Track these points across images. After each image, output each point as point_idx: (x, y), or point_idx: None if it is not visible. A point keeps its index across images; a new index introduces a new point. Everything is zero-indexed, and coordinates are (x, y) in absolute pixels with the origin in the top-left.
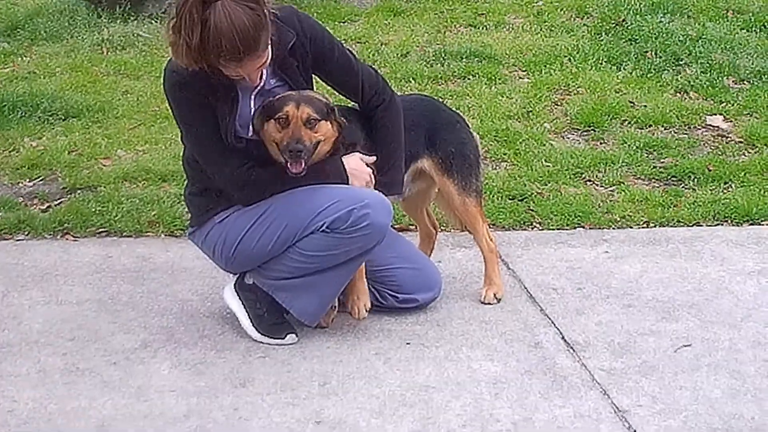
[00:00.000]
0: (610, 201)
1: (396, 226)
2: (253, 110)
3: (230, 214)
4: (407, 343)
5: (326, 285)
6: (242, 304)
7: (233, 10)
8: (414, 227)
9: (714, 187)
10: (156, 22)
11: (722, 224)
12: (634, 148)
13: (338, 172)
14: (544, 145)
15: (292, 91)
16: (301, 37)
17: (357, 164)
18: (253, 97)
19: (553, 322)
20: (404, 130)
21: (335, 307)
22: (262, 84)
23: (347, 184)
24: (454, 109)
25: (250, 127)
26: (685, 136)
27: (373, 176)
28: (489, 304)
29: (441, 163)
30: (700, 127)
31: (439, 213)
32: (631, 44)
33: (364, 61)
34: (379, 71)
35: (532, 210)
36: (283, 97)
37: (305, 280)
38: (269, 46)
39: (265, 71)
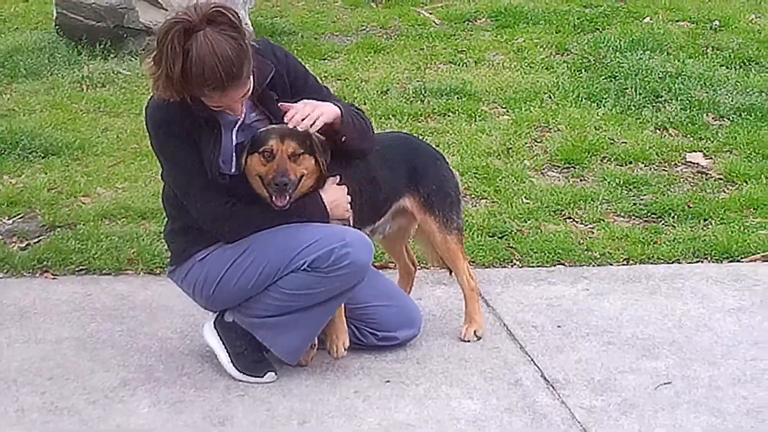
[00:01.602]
0: (590, 238)
1: (376, 264)
2: (235, 145)
3: (210, 252)
4: (387, 381)
5: (307, 323)
6: (222, 341)
7: (215, 40)
8: (394, 265)
9: (694, 224)
10: (135, 59)
11: (702, 261)
12: (614, 185)
13: (318, 208)
14: (524, 182)
15: (273, 124)
16: (279, 69)
17: (334, 195)
18: (234, 132)
19: (532, 360)
20: (385, 167)
21: (315, 345)
22: (242, 119)
23: (327, 219)
24: (433, 146)
25: (233, 163)
26: (665, 172)
27: (349, 203)
28: (469, 341)
29: (422, 201)
30: (679, 164)
31: (417, 250)
32: (611, 81)
33: (345, 98)
34: (359, 107)
35: (512, 247)
36: (266, 130)
37: (286, 318)
38: (251, 77)
39: (245, 105)
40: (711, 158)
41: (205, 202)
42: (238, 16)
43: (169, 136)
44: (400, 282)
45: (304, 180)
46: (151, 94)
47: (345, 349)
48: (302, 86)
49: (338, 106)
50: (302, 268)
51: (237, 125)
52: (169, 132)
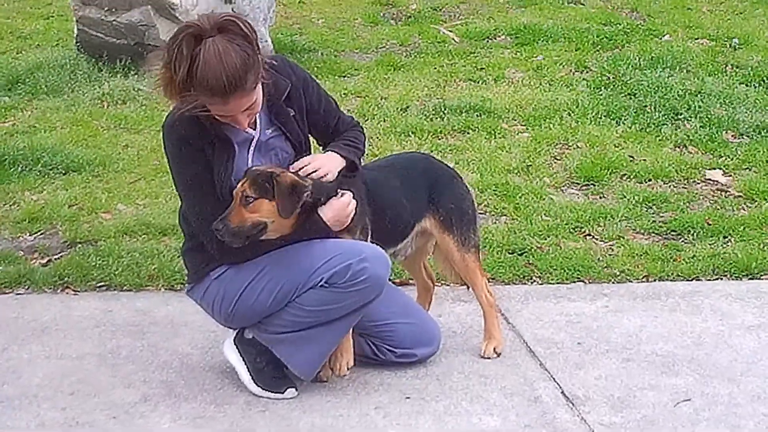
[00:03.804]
0: (610, 255)
1: (395, 281)
2: (249, 163)
3: (227, 270)
4: (407, 398)
5: (324, 339)
6: (242, 358)
7: (223, 47)
8: (413, 281)
9: (713, 241)
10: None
11: (721, 278)
12: (634, 202)
13: (320, 229)
14: (544, 199)
15: (288, 141)
16: (296, 85)
17: (334, 211)
18: (251, 150)
19: (552, 377)
20: (406, 189)
21: None
22: (258, 135)
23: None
24: (453, 163)
25: None
26: (685, 190)
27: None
28: (489, 358)
29: (442, 220)
30: (699, 182)
31: (435, 267)
32: (631, 99)
33: (365, 116)
34: (360, 122)
35: (532, 264)
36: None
37: (303, 333)
38: (257, 88)
39: (259, 121)
40: (730, 176)
41: (209, 227)
42: (251, 27)
43: (181, 154)
44: (419, 299)
45: (271, 226)
46: (169, 112)
47: (348, 369)
48: (318, 106)
49: (338, 152)
50: (320, 285)
51: (253, 143)
52: (182, 151)
